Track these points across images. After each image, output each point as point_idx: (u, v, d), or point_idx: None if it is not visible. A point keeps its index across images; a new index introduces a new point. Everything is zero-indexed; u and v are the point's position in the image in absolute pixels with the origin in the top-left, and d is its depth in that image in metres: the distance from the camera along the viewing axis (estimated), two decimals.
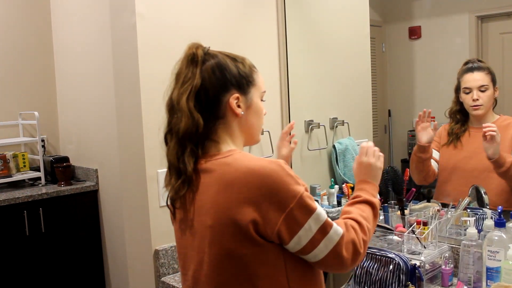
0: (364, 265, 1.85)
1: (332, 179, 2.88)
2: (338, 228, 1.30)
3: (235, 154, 1.34)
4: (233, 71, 1.40)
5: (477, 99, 2.25)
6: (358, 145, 3.04)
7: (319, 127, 2.95)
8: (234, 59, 1.43)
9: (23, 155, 3.91)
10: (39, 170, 3.85)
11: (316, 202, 1.30)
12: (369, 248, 1.86)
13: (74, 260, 3.67)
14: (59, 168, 3.75)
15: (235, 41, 2.61)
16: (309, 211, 1.26)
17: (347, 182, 2.74)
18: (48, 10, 4.14)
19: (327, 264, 1.31)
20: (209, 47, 1.44)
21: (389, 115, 3.59)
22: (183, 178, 1.35)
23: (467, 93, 2.29)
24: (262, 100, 1.47)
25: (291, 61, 2.84)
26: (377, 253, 1.81)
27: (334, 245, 1.28)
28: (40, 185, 3.81)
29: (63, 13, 3.97)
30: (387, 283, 1.74)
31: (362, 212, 1.41)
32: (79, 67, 3.81)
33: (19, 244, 3.46)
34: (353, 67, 3.21)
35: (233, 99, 1.38)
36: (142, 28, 2.28)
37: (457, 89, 2.35)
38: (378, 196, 1.60)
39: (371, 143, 1.57)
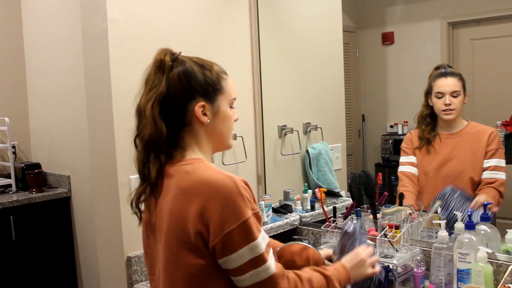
0: None
1: (306, 183, 2.89)
2: (271, 267, 1.28)
3: (195, 163, 1.34)
4: (199, 79, 1.39)
5: (450, 104, 2.28)
6: (331, 150, 3.06)
7: (292, 132, 2.95)
8: (202, 66, 1.42)
9: None
10: (9, 177, 3.79)
11: (260, 232, 1.28)
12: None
13: (46, 268, 3.62)
14: (31, 175, 3.69)
15: (207, 47, 2.60)
16: (249, 238, 1.25)
17: (320, 187, 2.75)
18: (19, 15, 4.09)
19: None
20: (180, 53, 1.43)
21: (363, 119, 3.63)
22: (147, 183, 1.36)
23: (439, 98, 2.31)
24: (231, 107, 1.45)
25: (264, 66, 2.84)
26: None
27: (259, 281, 1.27)
28: (11, 192, 3.74)
29: (34, 19, 3.92)
30: (361, 285, 1.75)
31: (314, 282, 1.38)
32: (51, 73, 3.76)
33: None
34: (326, 72, 3.22)
35: (199, 107, 1.37)
36: (114, 33, 2.26)
37: (428, 93, 2.38)
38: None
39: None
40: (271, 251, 1.31)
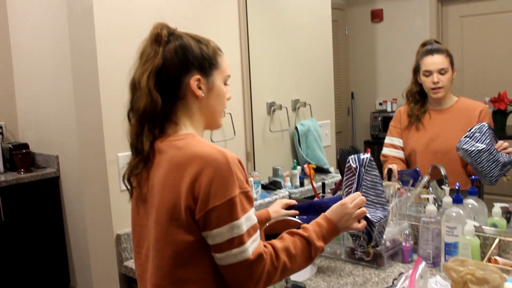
0: None
1: (295, 160, 2.89)
2: (247, 251, 1.26)
3: (188, 139, 1.34)
4: (195, 53, 1.39)
5: (438, 82, 2.27)
6: (320, 126, 3.06)
7: (281, 109, 2.95)
8: (198, 41, 1.42)
9: None
10: None
11: (246, 213, 1.27)
12: None
13: (36, 248, 3.61)
14: (18, 155, 3.67)
15: (195, 22, 2.58)
16: (231, 217, 1.25)
17: (309, 163, 2.76)
18: None
19: (224, 273, 1.30)
20: (176, 28, 1.43)
21: (352, 97, 3.62)
22: (140, 157, 1.35)
23: (427, 76, 2.29)
24: (225, 84, 1.44)
25: (252, 43, 2.82)
26: None
27: (233, 263, 1.26)
28: None
29: None
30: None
31: (292, 249, 1.35)
32: (36, 52, 3.72)
33: None
34: (315, 50, 3.21)
35: (194, 80, 1.37)
36: (99, 10, 2.23)
37: (416, 71, 2.37)
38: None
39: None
40: (255, 235, 1.29)
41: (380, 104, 3.44)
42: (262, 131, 2.88)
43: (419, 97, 2.38)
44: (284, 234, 1.40)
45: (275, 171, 2.76)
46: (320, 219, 1.47)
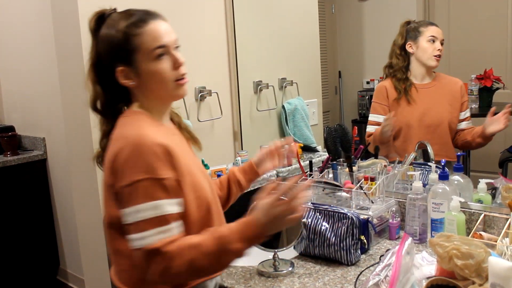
0: (316, 221, 1.87)
1: (282, 139, 2.89)
2: (141, 240, 1.24)
3: (130, 116, 1.39)
4: (111, 45, 1.37)
5: (441, 49, 2.33)
6: (307, 105, 3.06)
7: (267, 88, 2.94)
8: (110, 27, 1.38)
9: None
10: None
11: (151, 201, 1.24)
12: (320, 205, 1.88)
13: (24, 231, 3.61)
14: (4, 138, 3.65)
15: (181, 2, 2.56)
16: (131, 202, 1.25)
17: (296, 142, 2.76)
18: None
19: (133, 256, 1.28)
20: (113, 10, 1.42)
21: (340, 76, 3.62)
22: (103, 139, 1.45)
23: (432, 42, 2.33)
24: (160, 55, 1.36)
25: (238, 21, 2.81)
26: (329, 209, 1.83)
27: (133, 248, 1.26)
28: None
29: None
30: (341, 237, 1.77)
31: (204, 248, 1.25)
32: (20, 35, 3.67)
33: None
34: (302, 28, 3.20)
35: (119, 72, 1.37)
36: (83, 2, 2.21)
37: (404, 42, 2.38)
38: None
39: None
40: (164, 226, 1.25)
41: (368, 82, 3.44)
42: (249, 110, 2.88)
43: (404, 71, 2.40)
44: (205, 233, 1.29)
45: None
46: (244, 223, 1.30)
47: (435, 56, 2.33)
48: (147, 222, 1.24)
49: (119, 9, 1.41)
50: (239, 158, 2.48)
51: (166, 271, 1.24)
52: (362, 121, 3.39)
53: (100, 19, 1.40)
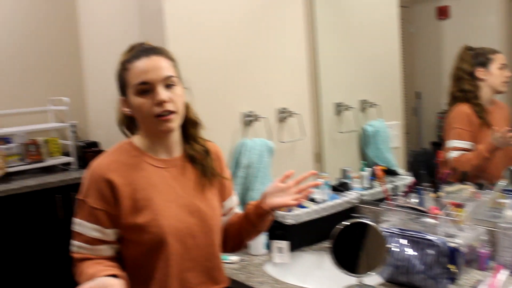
0: (402, 247, 1.84)
1: (363, 161, 2.86)
2: (71, 245, 1.54)
3: (116, 145, 1.62)
4: (115, 75, 1.57)
5: (509, 76, 2.33)
6: (388, 127, 3.02)
7: (348, 110, 2.93)
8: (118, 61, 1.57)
9: (54, 140, 3.95)
10: (70, 155, 3.89)
11: (79, 218, 1.52)
12: (405, 230, 1.86)
13: None
14: (90, 153, 3.79)
15: (262, 23, 2.60)
16: (76, 214, 1.53)
17: (378, 165, 2.73)
18: None
19: None
20: (140, 44, 1.59)
21: (418, 97, 3.55)
22: None
23: (502, 69, 2.35)
24: (142, 93, 1.48)
25: (320, 42, 2.82)
26: (415, 236, 1.80)
27: None
28: (72, 170, 3.85)
29: None
30: (429, 265, 1.73)
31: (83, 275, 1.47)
32: (106, 52, 3.81)
33: (52, 227, 3.52)
34: (383, 48, 3.16)
35: (121, 102, 1.57)
36: (170, 10, 2.28)
37: (472, 71, 2.40)
38: None
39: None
40: (78, 242, 1.52)
41: (448, 104, 3.36)
42: (330, 132, 2.87)
43: (477, 96, 2.41)
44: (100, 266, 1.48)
45: (344, 173, 2.74)
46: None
47: (505, 82, 2.34)
48: (74, 233, 1.52)
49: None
50: (321, 180, 2.48)
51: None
52: (442, 143, 3.32)
53: (128, 51, 1.58)
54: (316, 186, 1.70)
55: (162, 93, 1.46)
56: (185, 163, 1.62)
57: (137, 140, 1.59)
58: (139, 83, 1.47)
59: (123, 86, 1.54)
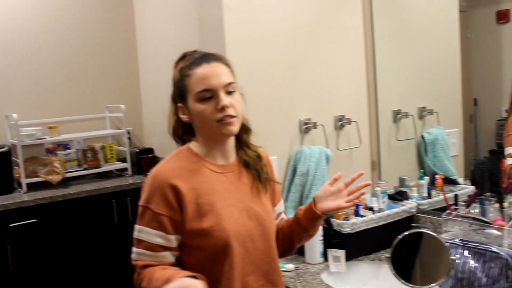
0: (464, 259, 1.78)
1: (421, 170, 2.80)
2: (132, 252, 1.52)
3: (177, 150, 1.61)
4: (173, 83, 1.58)
5: None
6: (447, 135, 2.94)
7: (407, 117, 2.87)
8: (174, 68, 1.59)
9: (110, 146, 4.04)
10: (125, 161, 3.96)
11: (141, 225, 1.49)
12: (468, 241, 1.79)
13: None
14: (145, 159, 3.85)
15: (320, 30, 2.58)
16: (137, 219, 1.52)
17: (436, 173, 2.66)
18: (131, 4, 4.25)
19: None
20: (193, 52, 1.60)
21: (475, 104, 3.45)
22: None
23: None
24: (205, 99, 1.49)
25: (378, 49, 2.78)
26: (479, 247, 1.74)
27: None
28: (127, 175, 3.92)
29: (146, 7, 4.05)
30: (494, 279, 1.67)
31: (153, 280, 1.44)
32: (162, 61, 3.87)
33: (108, 232, 3.59)
34: (442, 55, 3.09)
35: (179, 109, 1.57)
36: (229, 20, 2.29)
37: None
38: None
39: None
40: (142, 249, 1.49)
41: (506, 111, 3.26)
42: (388, 139, 2.82)
43: None
44: (166, 268, 1.49)
45: (402, 181, 2.69)
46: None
47: None
48: (136, 240, 1.51)
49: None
50: (378, 188, 2.43)
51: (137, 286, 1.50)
52: (500, 151, 3.21)
53: (181, 59, 1.59)
54: (367, 185, 1.65)
55: (225, 98, 1.48)
56: (240, 168, 1.64)
57: (194, 146, 1.59)
58: (202, 90, 1.48)
59: (182, 92, 1.54)
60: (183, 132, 1.61)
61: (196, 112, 1.51)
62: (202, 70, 1.49)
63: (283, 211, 1.83)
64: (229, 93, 1.51)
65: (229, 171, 1.61)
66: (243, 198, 1.59)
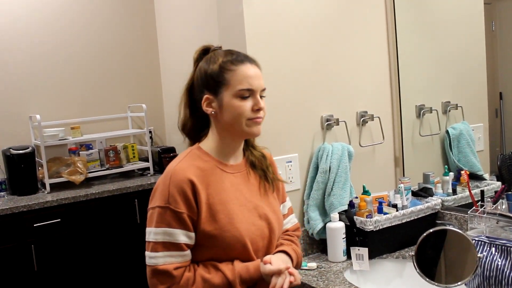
0: (492, 257, 1.73)
1: (446, 166, 2.74)
2: (150, 259, 1.46)
3: (188, 149, 1.60)
4: (205, 74, 1.55)
5: None
6: (472, 130, 2.89)
7: (431, 112, 2.81)
8: (210, 59, 1.56)
9: (132, 146, 4.05)
10: (147, 161, 3.98)
11: (161, 227, 1.45)
12: (496, 239, 1.75)
13: None
14: (166, 158, 3.85)
15: (342, 25, 2.54)
16: (148, 223, 1.48)
17: (461, 169, 2.61)
18: (152, 4, 4.25)
19: None
20: (218, 47, 1.63)
21: (501, 98, 3.38)
22: None
23: None
24: (244, 97, 1.51)
25: (401, 44, 2.73)
26: (508, 244, 1.69)
27: (147, 264, 1.48)
28: (149, 175, 3.94)
29: (167, 6, 4.06)
30: None
31: (210, 281, 1.47)
32: (183, 61, 3.87)
33: (131, 231, 3.60)
34: (467, 48, 3.03)
35: (204, 100, 1.54)
36: (250, 16, 2.26)
37: None
38: None
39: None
40: (172, 251, 1.45)
41: None
42: (412, 135, 2.77)
43: None
44: (217, 265, 1.50)
45: (426, 177, 2.63)
46: (253, 266, 1.52)
47: None
48: (152, 243, 1.46)
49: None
50: (401, 185, 2.39)
51: None
52: None
53: (204, 52, 1.62)
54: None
55: (261, 101, 1.55)
56: (248, 169, 1.67)
57: (205, 145, 1.59)
58: (246, 88, 1.51)
59: (218, 84, 1.53)
60: (191, 126, 1.62)
61: (231, 107, 1.51)
62: (246, 69, 1.52)
63: (289, 213, 1.84)
64: (261, 97, 1.56)
65: (238, 171, 1.63)
66: (252, 197, 1.62)
